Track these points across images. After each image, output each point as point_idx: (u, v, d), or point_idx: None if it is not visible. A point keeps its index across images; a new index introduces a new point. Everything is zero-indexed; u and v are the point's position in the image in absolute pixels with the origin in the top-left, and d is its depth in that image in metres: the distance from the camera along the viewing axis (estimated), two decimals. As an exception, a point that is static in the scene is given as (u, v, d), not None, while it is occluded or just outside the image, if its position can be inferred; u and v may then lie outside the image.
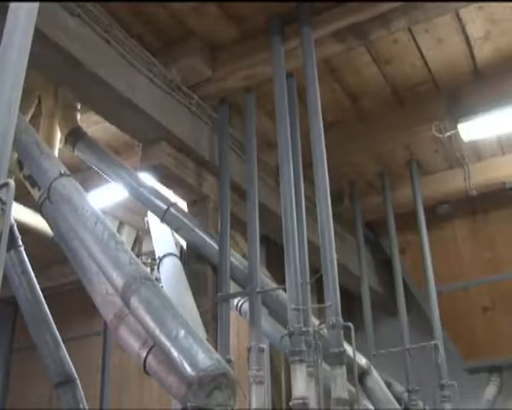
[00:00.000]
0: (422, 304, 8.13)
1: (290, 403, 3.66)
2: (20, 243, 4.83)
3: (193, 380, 2.45)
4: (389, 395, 5.07)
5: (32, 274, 4.80)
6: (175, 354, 2.59)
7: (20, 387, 10.35)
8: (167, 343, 2.64)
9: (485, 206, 8.00)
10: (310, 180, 4.67)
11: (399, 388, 6.44)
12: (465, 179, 7.28)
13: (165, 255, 5.12)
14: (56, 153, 5.49)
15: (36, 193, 4.73)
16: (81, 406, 4.65)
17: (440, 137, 6.26)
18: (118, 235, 3.39)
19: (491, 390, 8.79)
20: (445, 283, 7.73)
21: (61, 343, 4.73)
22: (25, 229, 5.59)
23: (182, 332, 2.65)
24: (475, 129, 6.12)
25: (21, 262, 4.80)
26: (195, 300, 4.51)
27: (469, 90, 5.97)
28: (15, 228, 4.85)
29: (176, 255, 5.13)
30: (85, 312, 8.21)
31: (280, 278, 4.51)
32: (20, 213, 6.27)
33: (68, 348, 4.74)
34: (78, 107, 5.69)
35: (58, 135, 5.65)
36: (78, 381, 4.69)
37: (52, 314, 4.75)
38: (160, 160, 4.90)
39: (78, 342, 8.94)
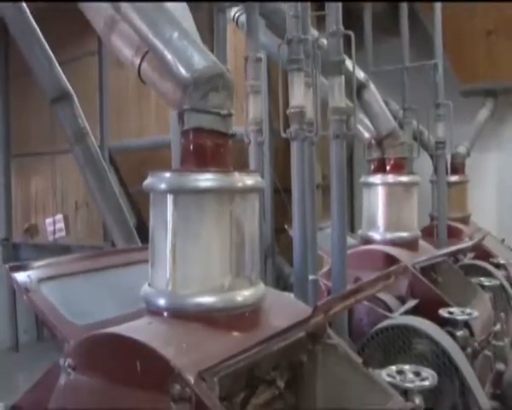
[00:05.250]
0: (425, 23, 7.89)
1: (287, 111, 3.67)
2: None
3: (188, 82, 2.39)
4: (385, 109, 5.09)
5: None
6: (169, 56, 2.49)
7: (21, 113, 10.48)
8: (160, 46, 2.53)
9: None
10: None
11: (395, 106, 6.49)
12: None
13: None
14: None
15: None
16: (79, 121, 4.69)
17: None
18: None
19: (483, 114, 8.95)
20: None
21: (55, 61, 4.63)
22: None
23: (176, 34, 2.52)
24: None
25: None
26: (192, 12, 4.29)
27: None
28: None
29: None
30: (78, 31, 7.98)
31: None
32: None
33: (64, 72, 4.64)
34: None
35: None
36: (74, 97, 4.67)
37: (45, 37, 4.58)
38: None
39: (73, 64, 8.82)
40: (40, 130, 10.03)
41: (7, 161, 10.83)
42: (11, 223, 10.83)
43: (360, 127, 5.11)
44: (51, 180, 10.22)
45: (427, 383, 2.81)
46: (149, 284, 2.45)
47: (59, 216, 10.11)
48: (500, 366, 5.49)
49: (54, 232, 10.13)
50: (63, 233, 10.11)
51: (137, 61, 2.86)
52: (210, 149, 2.36)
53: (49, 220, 10.24)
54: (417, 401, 2.71)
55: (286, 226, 4.56)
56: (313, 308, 2.16)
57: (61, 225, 10.08)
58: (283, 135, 3.69)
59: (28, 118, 10.30)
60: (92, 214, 9.34)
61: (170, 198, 2.31)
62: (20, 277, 2.56)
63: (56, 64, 4.61)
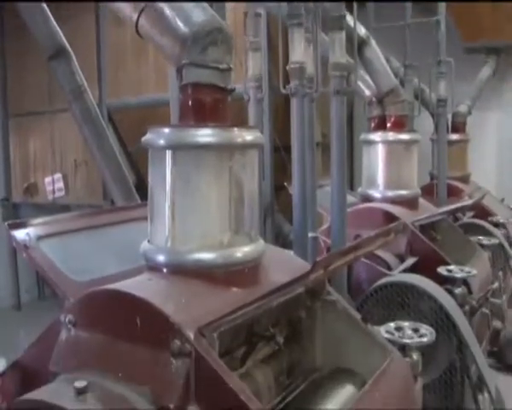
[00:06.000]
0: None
1: (287, 67, 3.62)
2: None
3: (186, 36, 2.34)
4: (386, 66, 5.02)
5: None
6: (167, 11, 2.44)
7: (18, 71, 10.35)
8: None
9: None
10: None
11: (397, 64, 6.41)
12: None
13: None
14: None
15: None
16: (77, 78, 4.64)
17: None
18: None
19: (485, 72, 8.86)
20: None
21: (51, 17, 4.56)
22: None
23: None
24: None
25: None
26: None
27: None
28: None
29: None
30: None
31: None
32: None
33: (61, 28, 4.58)
34: None
35: None
36: (71, 53, 4.62)
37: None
38: None
39: (70, 20, 8.67)
40: (38, 88, 9.91)
41: (5, 120, 10.74)
42: (10, 182, 10.79)
43: (361, 84, 5.05)
44: (50, 139, 10.15)
45: (425, 339, 2.83)
46: (149, 241, 2.44)
47: (58, 175, 10.07)
48: (497, 324, 5.55)
49: (53, 192, 10.10)
50: (62, 192, 10.09)
51: (135, 15, 2.80)
52: (209, 103, 2.34)
53: (48, 180, 10.21)
54: (415, 356, 2.74)
55: (285, 184, 4.55)
56: (313, 264, 2.16)
57: (60, 184, 10.05)
58: (283, 91, 3.65)
59: (26, 76, 10.18)
60: (91, 173, 9.31)
61: (168, 154, 2.29)
62: (19, 234, 2.55)
63: (53, 20, 4.55)
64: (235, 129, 2.32)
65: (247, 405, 1.85)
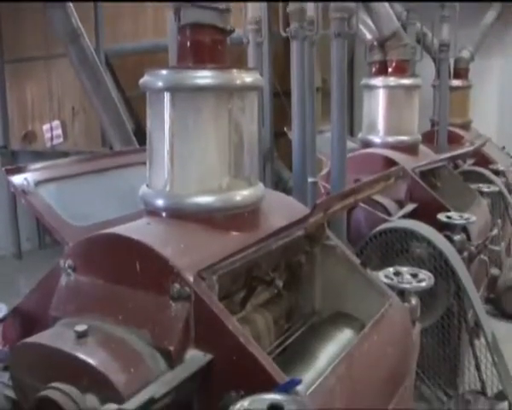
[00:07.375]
0: None
1: (287, 9, 3.53)
2: None
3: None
4: (389, 9, 4.90)
5: None
6: None
7: (13, 16, 10.16)
8: None
9: None
10: None
11: (399, 7, 6.26)
12: None
13: None
14: None
15: None
16: (73, 21, 4.56)
17: None
18: None
19: (490, 16, 8.68)
20: None
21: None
22: None
23: None
24: None
25: None
26: None
27: None
28: None
29: None
30: None
31: None
32: None
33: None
34: None
35: None
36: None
37: None
38: None
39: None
40: (34, 33, 9.75)
41: (0, 67, 10.58)
42: (8, 130, 10.70)
43: (362, 28, 4.94)
44: (47, 86, 10.04)
45: (423, 284, 2.84)
46: (147, 185, 2.42)
47: (56, 122, 10.00)
48: (495, 271, 5.59)
49: (51, 139, 10.05)
50: (61, 139, 10.03)
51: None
52: (208, 44, 2.28)
53: (46, 127, 10.13)
54: (414, 301, 2.75)
55: (285, 129, 4.50)
56: (313, 206, 2.14)
57: (58, 131, 9.99)
58: (283, 34, 3.57)
59: (21, 21, 10.00)
60: (90, 120, 9.24)
61: (167, 96, 2.25)
62: (17, 180, 2.53)
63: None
64: (234, 70, 2.27)
65: (246, 347, 1.86)
